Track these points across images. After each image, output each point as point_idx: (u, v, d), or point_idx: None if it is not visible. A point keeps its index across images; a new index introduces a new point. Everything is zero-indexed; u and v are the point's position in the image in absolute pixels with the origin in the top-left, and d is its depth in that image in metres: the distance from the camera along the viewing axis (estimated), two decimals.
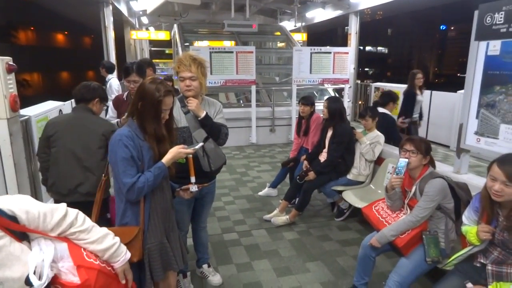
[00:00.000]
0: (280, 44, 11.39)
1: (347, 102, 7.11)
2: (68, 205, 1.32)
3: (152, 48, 18.94)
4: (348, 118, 4.42)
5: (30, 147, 3.09)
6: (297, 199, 3.73)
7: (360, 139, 3.53)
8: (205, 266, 2.70)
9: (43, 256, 1.15)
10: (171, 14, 10.37)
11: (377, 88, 8.20)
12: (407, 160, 2.17)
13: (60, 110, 3.68)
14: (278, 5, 11.35)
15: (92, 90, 2.44)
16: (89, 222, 1.32)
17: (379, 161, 3.54)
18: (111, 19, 8.25)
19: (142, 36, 13.23)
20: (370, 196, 3.25)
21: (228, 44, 11.54)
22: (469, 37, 2.57)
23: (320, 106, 4.11)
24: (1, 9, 19.76)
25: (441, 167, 2.90)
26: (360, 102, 9.11)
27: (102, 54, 8.29)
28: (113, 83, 5.60)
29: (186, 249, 2.03)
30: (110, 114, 3.12)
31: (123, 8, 9.86)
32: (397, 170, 2.20)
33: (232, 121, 6.25)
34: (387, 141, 3.62)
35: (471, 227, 1.81)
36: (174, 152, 1.71)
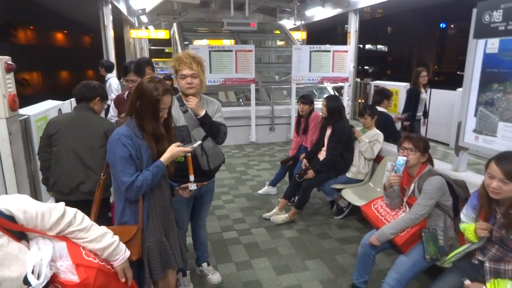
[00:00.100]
0: (279, 43, 11.36)
1: (346, 101, 7.11)
2: (70, 204, 1.32)
3: (152, 47, 18.90)
4: (348, 116, 4.41)
5: (29, 146, 3.08)
6: (297, 197, 3.74)
7: (359, 138, 3.53)
8: (204, 264, 2.71)
9: (42, 255, 1.15)
10: (170, 13, 10.34)
11: (376, 87, 8.19)
12: (405, 158, 2.17)
13: (60, 110, 3.68)
14: (278, 3, 11.30)
15: (93, 89, 2.45)
16: (87, 221, 1.33)
17: (378, 159, 3.55)
18: (111, 18, 8.22)
19: (141, 35, 13.20)
20: (369, 194, 3.25)
21: (227, 42, 11.51)
22: (468, 35, 2.57)
23: (319, 104, 4.12)
24: (0, 8, 19.72)
25: (440, 165, 2.90)
26: (359, 101, 9.10)
27: (101, 53, 8.26)
28: (113, 82, 5.60)
29: (186, 247, 2.04)
30: (111, 113, 3.12)
31: (122, 7, 9.82)
32: (395, 168, 2.20)
33: (231, 120, 6.26)
34: (386, 139, 3.63)
35: (469, 224, 1.82)
36: (172, 150, 1.72)
